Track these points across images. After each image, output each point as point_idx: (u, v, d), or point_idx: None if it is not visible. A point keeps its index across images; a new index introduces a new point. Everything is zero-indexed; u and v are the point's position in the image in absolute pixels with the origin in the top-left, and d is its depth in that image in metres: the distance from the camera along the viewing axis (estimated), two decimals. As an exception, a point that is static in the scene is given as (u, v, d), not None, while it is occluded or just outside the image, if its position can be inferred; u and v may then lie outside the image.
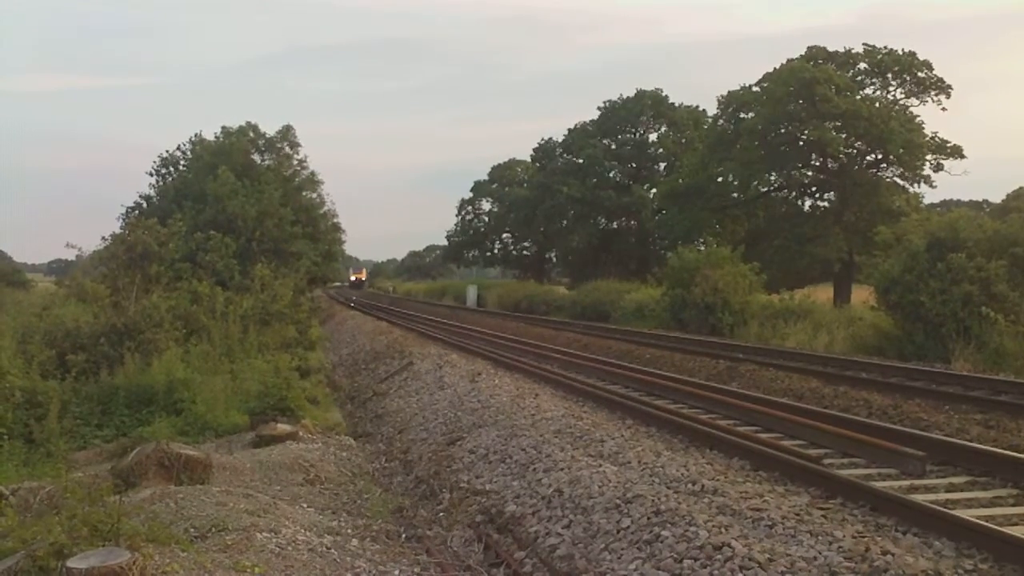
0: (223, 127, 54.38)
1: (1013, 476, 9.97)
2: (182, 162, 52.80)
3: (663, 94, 77.43)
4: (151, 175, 53.20)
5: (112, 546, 6.92)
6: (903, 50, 53.46)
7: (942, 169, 52.55)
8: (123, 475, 10.83)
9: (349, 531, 9.77)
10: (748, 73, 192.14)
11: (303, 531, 9.15)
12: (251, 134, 54.49)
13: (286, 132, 55.59)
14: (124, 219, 45.21)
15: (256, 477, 12.09)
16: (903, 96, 54.37)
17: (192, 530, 8.62)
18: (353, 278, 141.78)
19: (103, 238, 25.98)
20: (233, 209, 39.77)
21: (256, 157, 52.95)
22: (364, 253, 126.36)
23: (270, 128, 57.37)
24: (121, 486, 10.17)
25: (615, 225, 78.04)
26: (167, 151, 53.77)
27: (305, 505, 10.82)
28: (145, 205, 48.67)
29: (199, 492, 10.03)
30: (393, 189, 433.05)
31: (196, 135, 53.39)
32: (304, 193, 53.70)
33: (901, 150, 50.53)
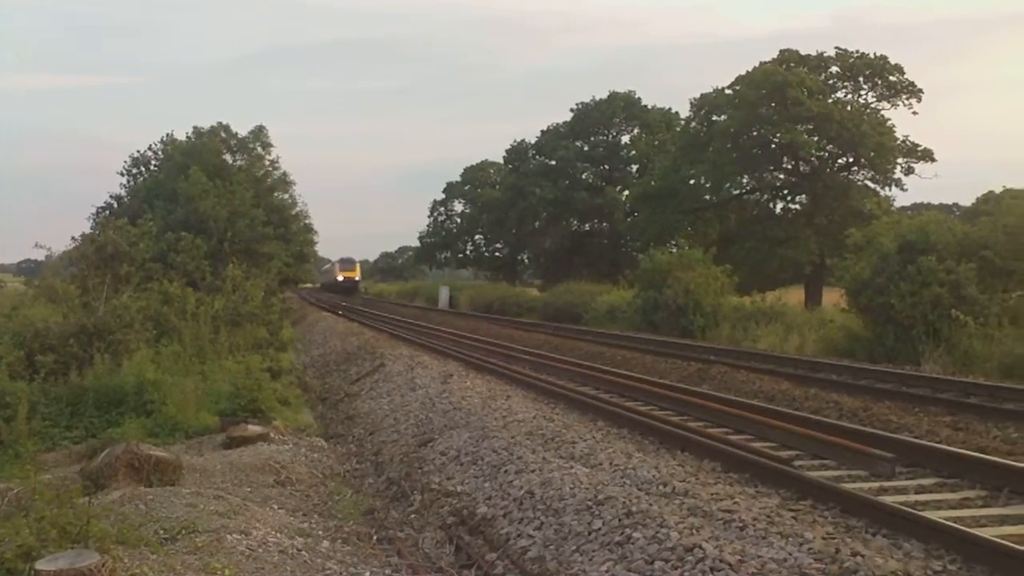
0: (195, 127, 54.37)
1: (981, 478, 10.02)
2: (153, 162, 52.69)
3: (636, 96, 77.66)
4: (122, 175, 53.10)
5: (81, 548, 6.88)
6: (875, 54, 53.78)
7: (913, 172, 53.03)
8: (92, 477, 10.77)
9: (320, 533, 9.75)
10: (723, 75, 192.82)
11: (274, 533, 9.12)
12: (223, 134, 54.46)
13: (258, 132, 55.57)
14: (95, 219, 45.20)
15: (227, 479, 12.04)
16: (874, 99, 54.70)
17: (162, 532, 8.58)
18: (340, 278, 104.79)
19: (73, 238, 25.86)
20: (204, 209, 39.71)
21: (228, 157, 52.95)
22: (336, 254, 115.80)
23: (243, 128, 57.28)
24: (90, 488, 10.13)
25: (587, 227, 78.20)
26: (138, 151, 53.66)
27: (276, 507, 10.79)
28: (116, 205, 48.62)
29: (169, 494, 9.99)
30: (365, 190, 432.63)
31: (167, 135, 53.31)
32: (276, 194, 53.67)
33: (872, 153, 50.85)
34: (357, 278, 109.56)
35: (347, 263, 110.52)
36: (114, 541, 7.36)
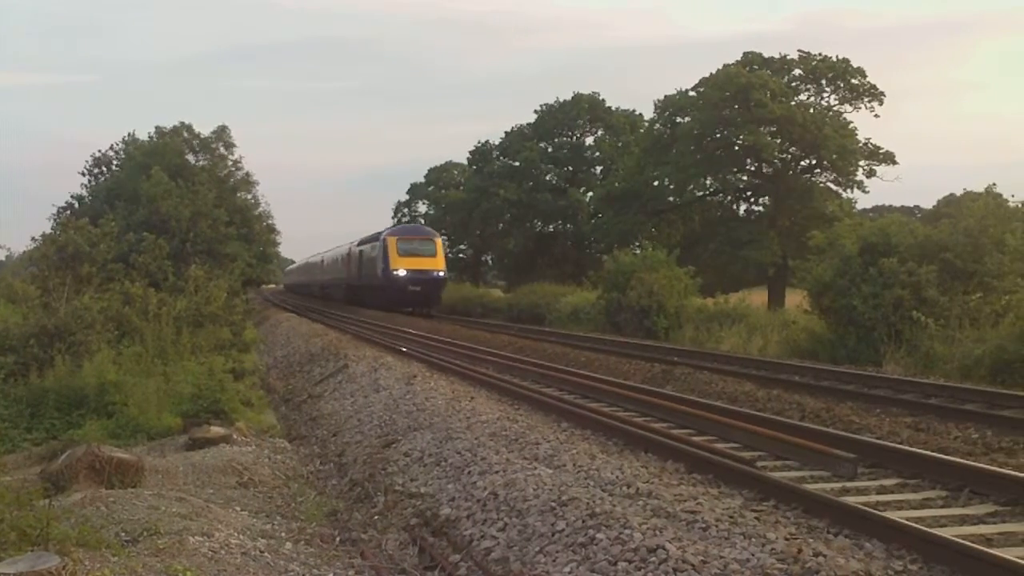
0: (157, 127, 54.22)
1: (942, 478, 10.09)
2: (115, 162, 52.39)
3: (600, 98, 77.87)
4: (83, 175, 52.79)
5: (41, 551, 6.83)
6: (837, 57, 54.29)
7: (875, 175, 53.73)
8: (53, 479, 10.69)
9: (283, 534, 9.72)
10: (687, 78, 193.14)
11: (236, 534, 9.08)
12: (185, 134, 54.29)
13: (221, 132, 55.42)
14: (55, 219, 44.85)
15: (189, 480, 11.99)
16: (837, 102, 55.27)
17: (123, 534, 8.53)
18: (401, 272, 51.50)
19: (33, 238, 25.74)
20: (166, 210, 39.53)
21: (190, 157, 52.82)
22: (300, 254, 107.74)
23: (205, 128, 57.15)
24: (51, 490, 10.05)
25: (551, 228, 78.34)
26: (99, 151, 53.36)
27: (239, 508, 10.75)
28: (77, 205, 48.32)
29: (131, 496, 9.93)
30: (329, 190, 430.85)
31: (129, 135, 53.10)
32: (239, 194, 53.49)
33: (834, 156, 51.33)
34: (442, 272, 54.03)
35: (412, 239, 54.09)
36: (74, 543, 7.31)
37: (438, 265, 53.16)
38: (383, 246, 52.56)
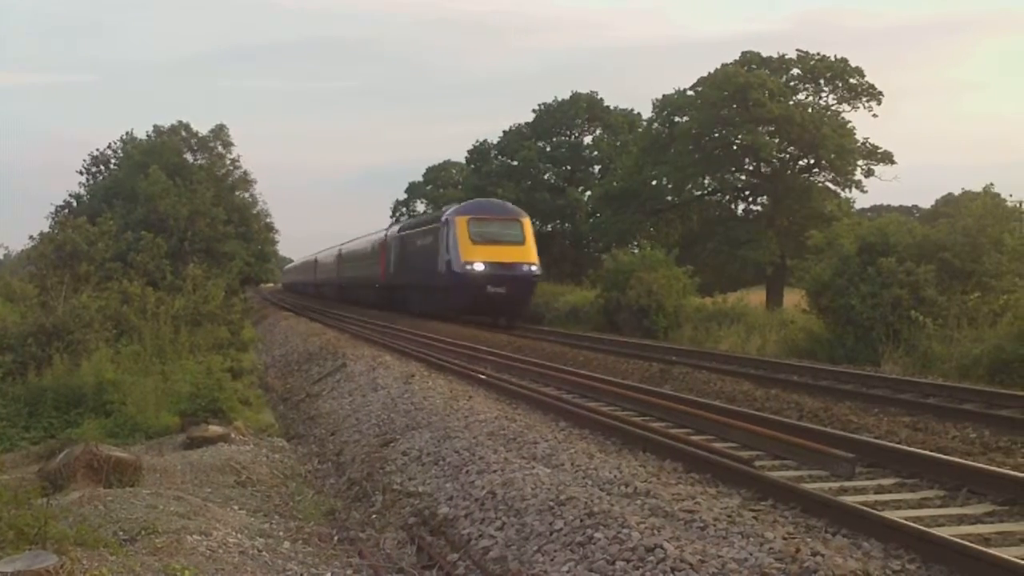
0: (155, 125, 54.17)
1: (940, 477, 10.09)
2: (113, 161, 52.35)
3: (598, 97, 77.74)
4: (81, 173, 52.74)
5: (39, 550, 6.82)
6: (835, 56, 54.23)
7: (873, 174, 53.57)
8: (51, 477, 10.68)
9: (281, 533, 9.71)
10: (686, 77, 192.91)
11: (234, 533, 9.08)
12: (183, 133, 54.26)
13: (219, 131, 55.37)
14: (53, 218, 44.86)
15: (187, 479, 11.98)
16: (835, 102, 55.15)
17: (121, 533, 8.52)
18: (478, 266, 36.34)
19: (31, 237, 25.74)
20: (164, 208, 39.49)
21: (188, 156, 52.75)
22: (298, 252, 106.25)
23: (204, 127, 57.14)
24: (48, 489, 10.04)
25: (550, 227, 78.13)
26: (98, 149, 53.29)
27: (237, 507, 10.74)
28: (75, 204, 48.26)
29: (129, 495, 9.92)
30: (328, 189, 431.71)
31: (127, 133, 53.04)
32: (237, 193, 53.44)
33: (833, 155, 51.25)
34: (534, 266, 38.38)
35: (491, 220, 39.28)
36: (72, 542, 7.30)
37: (528, 256, 38.30)
38: (449, 229, 38.33)
